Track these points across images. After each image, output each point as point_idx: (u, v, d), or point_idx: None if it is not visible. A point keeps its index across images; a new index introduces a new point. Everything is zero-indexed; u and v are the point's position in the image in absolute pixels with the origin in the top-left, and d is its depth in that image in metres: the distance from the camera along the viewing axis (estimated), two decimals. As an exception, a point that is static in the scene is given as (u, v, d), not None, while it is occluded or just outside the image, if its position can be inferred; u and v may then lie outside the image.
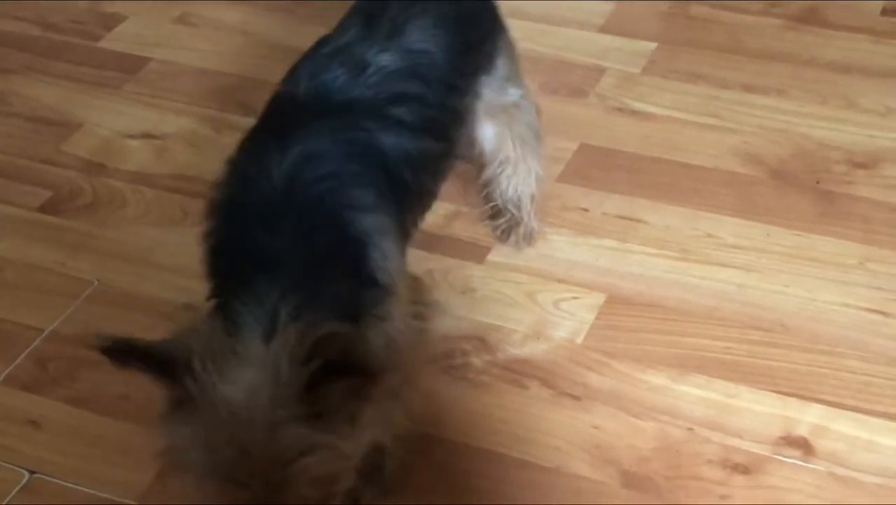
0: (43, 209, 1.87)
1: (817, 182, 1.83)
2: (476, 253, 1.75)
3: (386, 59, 1.33)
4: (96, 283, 1.73)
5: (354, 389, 1.08)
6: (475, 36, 1.48)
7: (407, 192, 1.33)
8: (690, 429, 1.49)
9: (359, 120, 1.29)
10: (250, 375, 1.07)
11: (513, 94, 1.60)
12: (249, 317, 1.13)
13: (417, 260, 1.73)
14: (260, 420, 1.05)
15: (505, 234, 1.75)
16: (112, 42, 2.23)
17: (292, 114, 1.30)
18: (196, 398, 1.06)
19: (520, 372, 1.57)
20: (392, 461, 1.41)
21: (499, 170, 1.68)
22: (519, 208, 1.72)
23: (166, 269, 1.75)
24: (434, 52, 1.38)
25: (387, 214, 1.28)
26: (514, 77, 1.61)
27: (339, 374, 1.06)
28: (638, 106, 2.00)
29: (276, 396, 1.06)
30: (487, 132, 1.62)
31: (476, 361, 1.59)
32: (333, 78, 1.31)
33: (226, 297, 1.17)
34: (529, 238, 1.74)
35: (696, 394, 1.53)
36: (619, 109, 2.00)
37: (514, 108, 1.62)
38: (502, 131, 1.62)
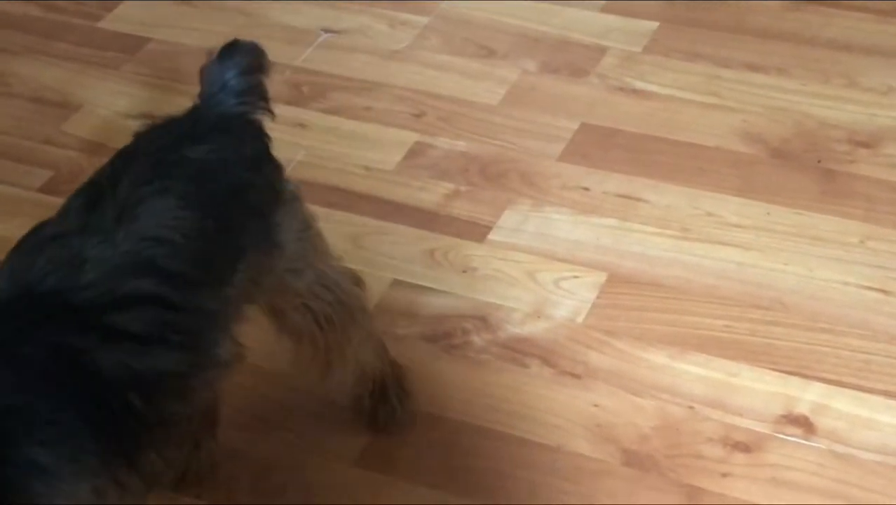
0: (44, 189, 1.87)
1: (819, 161, 1.83)
2: (476, 232, 1.75)
3: (108, 252, 1.06)
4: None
5: None
6: (243, 213, 1.20)
7: (139, 426, 1.05)
8: (691, 407, 1.49)
9: (66, 333, 1.01)
10: None
11: (309, 274, 1.31)
12: None
13: (417, 240, 1.74)
14: None
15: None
16: (112, 22, 2.23)
17: None
18: None
19: (520, 351, 1.57)
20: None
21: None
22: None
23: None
24: (177, 239, 1.10)
25: (85, 471, 1.00)
26: (312, 251, 1.33)
27: None
28: (639, 85, 2.00)
29: None
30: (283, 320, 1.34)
31: (476, 339, 1.59)
32: (39, 278, 1.04)
33: None
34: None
35: (696, 372, 1.53)
36: (621, 89, 1.99)
37: (314, 287, 1.32)
38: (294, 319, 1.33)
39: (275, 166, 1.30)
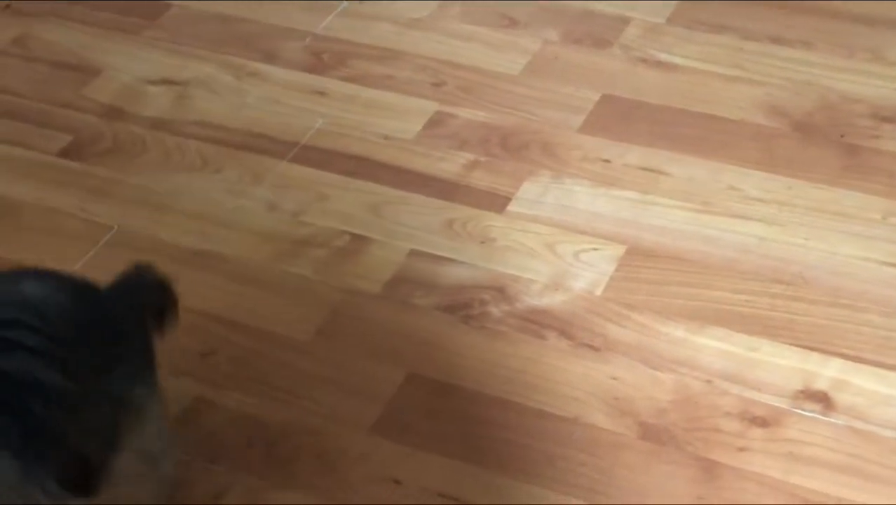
0: (63, 154, 1.86)
1: (842, 136, 1.81)
2: (495, 203, 1.74)
3: None
4: (116, 228, 1.73)
5: None
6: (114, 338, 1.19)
7: (41, 434, 1.07)
8: (709, 381, 1.48)
9: None
10: None
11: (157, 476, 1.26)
12: None
13: (436, 210, 1.73)
14: None
15: None
16: (133, -13, 2.22)
17: None
18: None
19: (538, 322, 1.57)
20: None
21: None
22: None
23: (186, 215, 1.75)
24: (54, 302, 1.14)
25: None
26: (171, 451, 1.30)
27: None
28: (662, 56, 1.98)
29: None
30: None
31: (494, 310, 1.59)
32: None
33: None
34: None
35: (715, 346, 1.53)
36: (643, 60, 1.98)
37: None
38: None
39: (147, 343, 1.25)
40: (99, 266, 1.65)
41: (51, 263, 1.65)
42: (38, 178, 1.83)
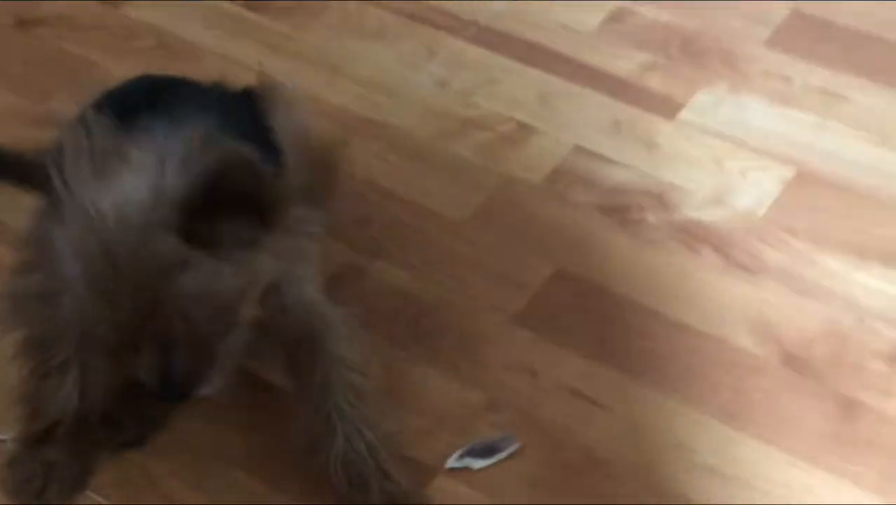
0: (248, 6, 1.88)
1: None
2: (667, 108, 1.71)
3: None
4: (290, 86, 1.74)
5: (252, 219, 1.00)
6: None
7: None
8: (861, 319, 1.45)
9: None
10: (131, 176, 0.97)
11: None
12: (153, 125, 1.02)
13: (605, 108, 1.71)
14: (133, 224, 0.96)
15: None
16: None
17: None
18: (63, 198, 0.97)
19: (694, 235, 1.55)
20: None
21: None
22: None
23: (357, 81, 1.76)
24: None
25: None
26: None
27: (231, 197, 0.97)
28: (862, -23, 1.90)
29: (154, 200, 0.96)
30: None
31: (651, 217, 1.57)
32: None
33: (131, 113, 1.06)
34: None
35: (872, 285, 1.49)
36: (841, -22, 1.90)
37: None
38: None
39: None
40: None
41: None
42: (222, 28, 1.85)
